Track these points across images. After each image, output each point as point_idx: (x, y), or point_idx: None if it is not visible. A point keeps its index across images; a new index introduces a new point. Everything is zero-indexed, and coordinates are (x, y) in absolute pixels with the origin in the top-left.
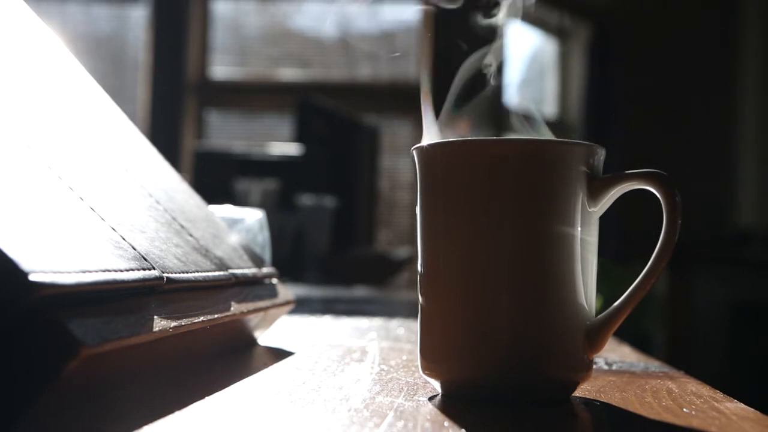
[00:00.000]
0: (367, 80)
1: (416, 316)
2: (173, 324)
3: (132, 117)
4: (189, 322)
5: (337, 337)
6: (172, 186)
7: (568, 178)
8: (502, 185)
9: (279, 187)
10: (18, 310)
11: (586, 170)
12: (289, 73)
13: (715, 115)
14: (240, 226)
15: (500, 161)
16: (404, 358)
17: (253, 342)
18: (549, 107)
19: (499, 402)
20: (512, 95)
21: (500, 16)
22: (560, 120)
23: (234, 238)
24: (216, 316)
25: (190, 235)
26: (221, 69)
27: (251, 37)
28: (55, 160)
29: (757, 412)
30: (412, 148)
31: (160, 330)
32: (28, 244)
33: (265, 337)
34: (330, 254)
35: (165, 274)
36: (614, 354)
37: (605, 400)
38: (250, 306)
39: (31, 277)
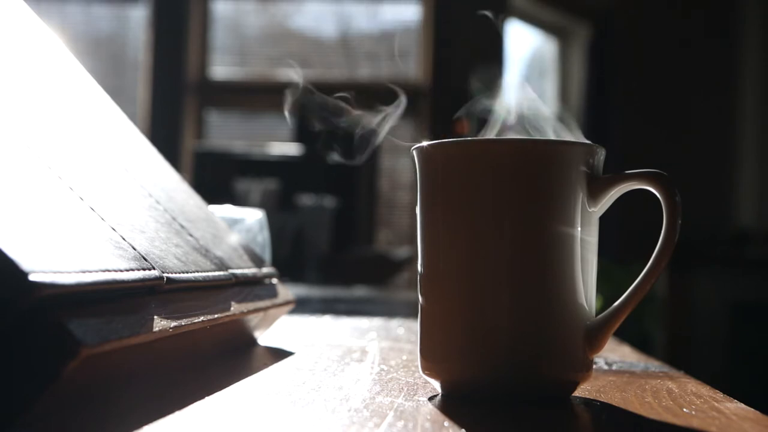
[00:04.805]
0: (367, 80)
1: (416, 316)
2: (173, 324)
3: (132, 117)
4: (189, 322)
5: (337, 337)
6: (172, 186)
7: (568, 178)
8: (502, 185)
9: (279, 187)
10: (18, 310)
11: (586, 170)
12: (289, 73)
13: (715, 115)
14: (240, 226)
15: (500, 161)
16: (404, 358)
17: (253, 342)
18: (549, 107)
19: (499, 402)
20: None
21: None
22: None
23: (234, 238)
24: (216, 316)
25: (190, 235)
26: (221, 69)
27: (251, 37)
28: (55, 160)
29: (757, 412)
30: (412, 148)
31: (160, 330)
32: (28, 244)
33: (265, 337)
34: (330, 254)
35: (165, 274)
36: (614, 354)
37: (605, 400)
38: (250, 306)
39: (31, 277)
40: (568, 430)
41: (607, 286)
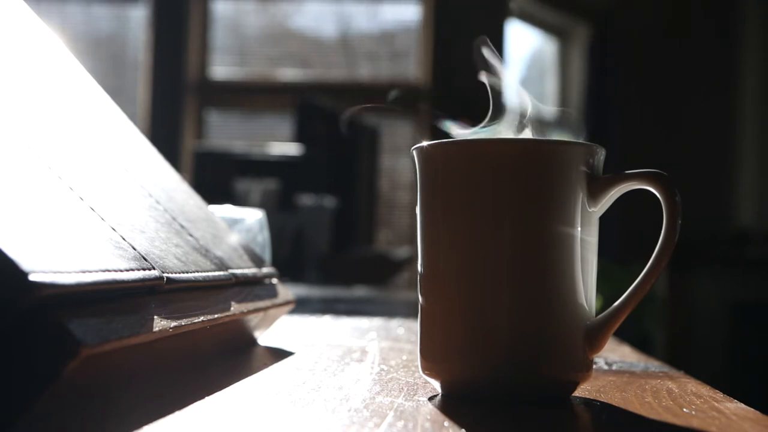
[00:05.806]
0: (367, 80)
1: (416, 316)
2: (173, 324)
3: (132, 117)
4: (189, 322)
5: (337, 337)
6: (172, 186)
7: (568, 178)
8: (502, 185)
9: (279, 187)
10: (18, 310)
11: (586, 170)
12: (289, 73)
13: (715, 115)
14: (240, 226)
15: (500, 161)
16: (404, 358)
17: (253, 342)
18: (549, 107)
19: (499, 402)
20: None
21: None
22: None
23: (234, 238)
24: (216, 316)
25: (190, 235)
26: (221, 69)
27: (251, 37)
28: (55, 160)
29: (757, 412)
30: (412, 148)
31: (160, 330)
32: (28, 244)
33: (265, 337)
34: (330, 254)
35: (165, 274)
36: (614, 354)
37: (605, 400)
38: (250, 306)
39: (31, 277)
40: (568, 430)
41: (607, 286)
